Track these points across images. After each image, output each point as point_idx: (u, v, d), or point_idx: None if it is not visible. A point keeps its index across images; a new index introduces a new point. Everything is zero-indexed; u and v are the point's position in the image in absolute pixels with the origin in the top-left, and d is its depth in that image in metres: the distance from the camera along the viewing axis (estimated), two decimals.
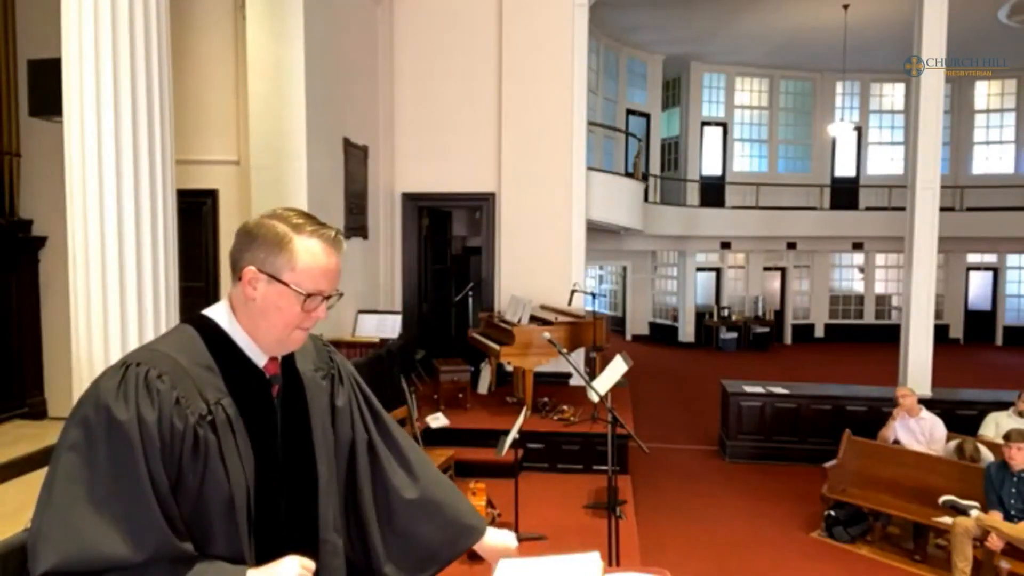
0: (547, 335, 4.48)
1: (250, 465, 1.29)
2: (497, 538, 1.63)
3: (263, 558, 1.28)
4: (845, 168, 16.45)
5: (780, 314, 16.05)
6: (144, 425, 1.18)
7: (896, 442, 5.78)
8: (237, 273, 1.34)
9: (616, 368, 4.56)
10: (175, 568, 1.17)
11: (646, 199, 12.44)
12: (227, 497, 1.25)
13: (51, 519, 1.15)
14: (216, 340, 1.33)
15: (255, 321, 1.34)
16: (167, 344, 1.31)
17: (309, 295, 1.31)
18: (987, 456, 5.31)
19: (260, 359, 1.36)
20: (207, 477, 1.24)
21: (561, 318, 7.29)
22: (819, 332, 16.37)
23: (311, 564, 1.29)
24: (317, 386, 1.48)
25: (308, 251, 1.31)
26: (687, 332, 15.43)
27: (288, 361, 1.43)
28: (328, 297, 1.34)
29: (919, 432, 5.72)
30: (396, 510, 1.54)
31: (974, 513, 4.63)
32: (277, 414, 1.38)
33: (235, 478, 1.26)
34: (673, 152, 16.12)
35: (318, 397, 1.47)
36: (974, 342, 16.03)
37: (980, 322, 16.33)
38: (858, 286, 16.67)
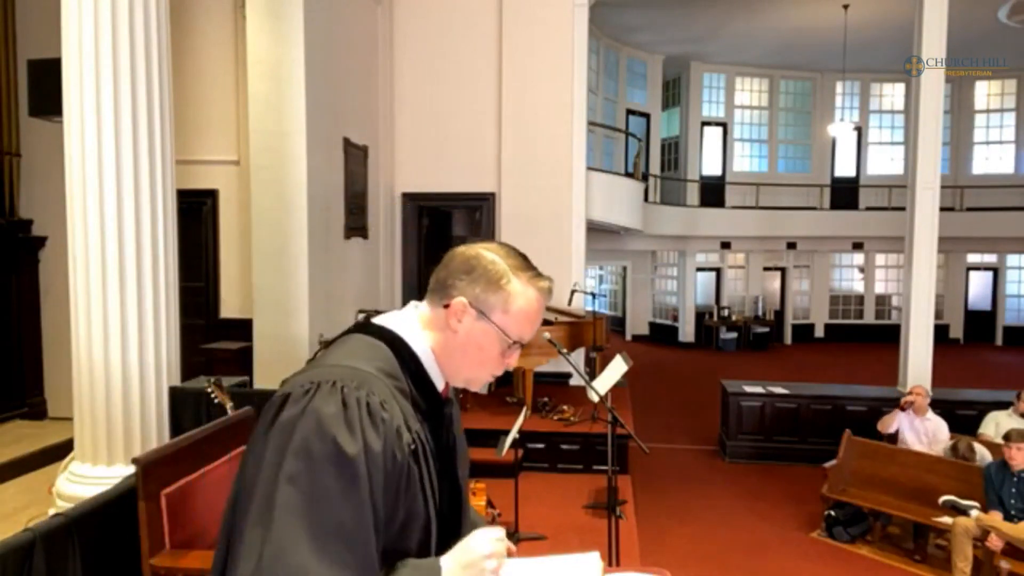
0: (547, 335, 4.47)
1: (438, 488, 1.27)
2: None
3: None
4: (845, 168, 16.45)
5: (780, 314, 16.05)
6: (372, 457, 1.12)
7: (896, 434, 5.82)
8: (444, 299, 1.29)
9: (616, 368, 4.56)
10: None
11: (646, 199, 12.44)
12: (425, 523, 1.24)
13: (273, 559, 1.07)
14: (407, 361, 1.28)
15: (450, 352, 1.31)
16: (365, 360, 1.24)
17: (513, 341, 1.29)
18: (982, 454, 5.31)
19: (440, 383, 1.34)
20: (412, 505, 1.21)
21: (561, 318, 7.29)
22: (819, 332, 16.38)
23: (502, 532, 1.26)
24: (458, 407, 1.49)
25: (524, 297, 1.28)
26: (687, 332, 15.44)
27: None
28: (523, 346, 1.32)
29: (923, 433, 5.75)
30: None
31: (974, 513, 4.63)
32: (443, 435, 1.35)
33: (430, 504, 1.25)
34: (673, 152, 16.12)
35: (458, 417, 1.47)
36: (974, 342, 16.03)
37: (980, 322, 16.34)
38: (858, 286, 16.67)
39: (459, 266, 1.29)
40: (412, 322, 1.32)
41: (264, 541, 1.07)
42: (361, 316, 7.33)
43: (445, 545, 1.30)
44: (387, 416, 1.16)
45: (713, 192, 15.61)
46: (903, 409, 5.84)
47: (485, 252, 1.29)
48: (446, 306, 1.28)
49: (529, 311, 1.29)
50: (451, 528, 1.34)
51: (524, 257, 1.32)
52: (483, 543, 1.20)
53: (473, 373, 1.33)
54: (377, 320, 1.34)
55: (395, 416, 1.18)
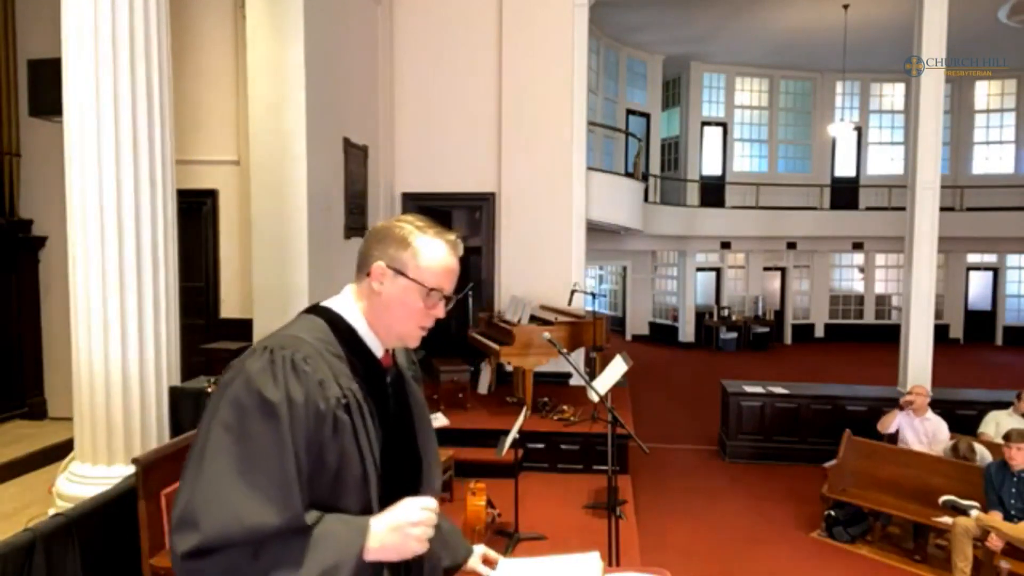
0: (547, 335, 4.48)
1: (377, 447, 1.37)
2: (477, 550, 1.68)
3: None
4: (845, 168, 16.45)
5: (780, 314, 16.05)
6: (293, 405, 1.25)
7: (896, 434, 5.82)
8: (365, 269, 1.43)
9: (616, 368, 4.56)
10: (301, 541, 1.24)
11: (646, 199, 12.44)
12: (360, 475, 1.32)
13: (202, 493, 1.21)
14: (342, 331, 1.43)
15: (379, 315, 1.44)
16: (303, 331, 1.39)
17: (431, 290, 1.41)
18: (982, 454, 5.31)
19: (378, 351, 1.46)
20: (343, 457, 1.31)
21: (561, 318, 7.29)
22: (819, 332, 16.37)
23: (433, 503, 1.35)
24: (412, 380, 1.60)
25: (432, 249, 1.42)
26: (687, 332, 15.43)
27: (393, 356, 1.54)
28: (448, 298, 1.45)
29: (923, 433, 5.75)
30: None
31: (974, 513, 4.63)
32: (391, 402, 1.47)
33: (367, 458, 1.34)
34: (673, 152, 16.12)
35: (415, 391, 1.58)
36: (974, 342, 16.03)
37: (980, 322, 16.33)
38: (858, 286, 16.67)
39: (373, 238, 1.45)
40: (347, 299, 1.47)
41: (196, 479, 1.22)
42: None
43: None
44: (309, 369, 1.29)
45: (713, 192, 15.60)
46: (902, 408, 5.85)
47: (395, 221, 1.46)
48: (368, 274, 1.42)
49: (442, 262, 1.43)
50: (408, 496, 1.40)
51: (432, 220, 1.48)
52: (412, 510, 1.30)
53: (403, 327, 1.45)
54: (321, 303, 1.48)
55: (318, 370, 1.30)
